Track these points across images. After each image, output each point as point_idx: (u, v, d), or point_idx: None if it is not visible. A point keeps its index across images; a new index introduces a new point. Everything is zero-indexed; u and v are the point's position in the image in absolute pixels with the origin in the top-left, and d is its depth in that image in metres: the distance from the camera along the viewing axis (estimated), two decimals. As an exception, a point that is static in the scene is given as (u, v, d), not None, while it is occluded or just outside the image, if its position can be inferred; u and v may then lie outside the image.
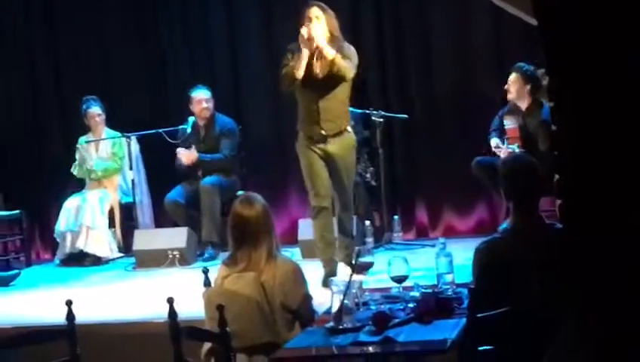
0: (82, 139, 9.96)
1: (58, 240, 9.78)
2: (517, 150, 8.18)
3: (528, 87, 8.37)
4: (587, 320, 2.91)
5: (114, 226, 9.83)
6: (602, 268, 2.92)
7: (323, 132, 7.20)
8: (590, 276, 2.94)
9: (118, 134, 9.83)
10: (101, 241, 9.61)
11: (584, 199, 2.95)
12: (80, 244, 9.56)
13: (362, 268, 5.03)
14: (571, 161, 2.96)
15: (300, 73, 7.10)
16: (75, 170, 9.92)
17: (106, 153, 9.94)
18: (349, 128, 7.33)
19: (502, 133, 8.50)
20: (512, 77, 8.42)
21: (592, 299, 2.92)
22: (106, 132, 9.95)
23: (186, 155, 9.37)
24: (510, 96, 8.47)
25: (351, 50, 7.25)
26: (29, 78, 10.77)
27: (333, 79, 7.16)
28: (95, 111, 9.87)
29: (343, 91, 7.24)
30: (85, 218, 9.56)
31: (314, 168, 7.27)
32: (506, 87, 8.45)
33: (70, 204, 9.71)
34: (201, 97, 9.54)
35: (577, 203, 2.96)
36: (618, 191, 2.91)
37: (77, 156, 9.92)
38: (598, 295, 2.91)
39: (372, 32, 9.85)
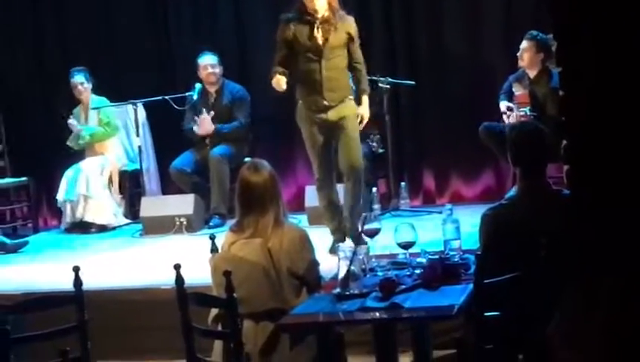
0: (76, 109, 9.94)
1: (61, 209, 9.79)
2: (528, 113, 8.17)
3: (541, 55, 8.35)
4: (594, 285, 2.91)
5: (120, 193, 9.82)
6: (609, 233, 2.92)
7: (325, 102, 7.14)
8: (597, 241, 2.94)
9: (105, 100, 9.78)
10: (101, 209, 9.59)
11: (592, 164, 2.94)
12: (79, 213, 9.56)
13: (369, 234, 5.03)
14: (579, 126, 2.96)
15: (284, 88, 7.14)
16: (70, 143, 9.88)
17: (95, 121, 9.88)
18: (350, 96, 7.28)
19: (511, 97, 8.48)
20: (525, 44, 8.38)
21: (599, 263, 2.92)
22: (91, 99, 9.89)
23: (203, 128, 9.36)
24: (522, 64, 8.45)
25: (352, 22, 7.22)
26: (36, 48, 10.74)
27: (335, 49, 7.12)
28: (77, 80, 9.79)
29: (344, 60, 7.20)
30: (81, 187, 9.53)
31: (316, 139, 7.22)
32: (518, 54, 8.43)
33: (68, 173, 9.69)
34: (207, 63, 9.52)
35: (585, 168, 2.96)
36: (626, 155, 2.90)
37: (70, 126, 9.88)
38: (605, 259, 2.91)
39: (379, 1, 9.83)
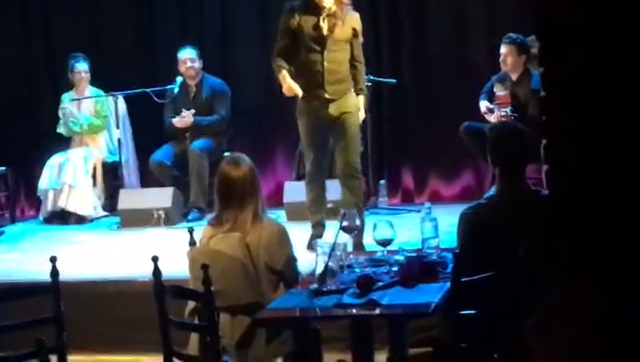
0: (66, 95, 9.93)
1: (41, 198, 9.76)
2: (509, 113, 8.21)
3: (523, 57, 8.42)
4: (572, 283, 2.92)
5: (97, 185, 9.81)
6: (589, 233, 2.94)
7: (327, 95, 7.06)
8: (577, 241, 2.95)
9: (102, 92, 9.80)
10: (83, 199, 9.58)
11: (572, 164, 2.96)
12: (62, 203, 9.53)
13: (347, 231, 5.04)
14: (560, 126, 2.97)
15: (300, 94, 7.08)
16: (61, 129, 9.90)
17: (89, 111, 9.90)
18: (352, 90, 7.19)
19: (492, 97, 8.52)
20: (506, 49, 8.42)
21: (577, 262, 2.94)
22: (89, 90, 9.90)
23: (182, 121, 9.34)
24: (505, 68, 8.51)
25: (357, 18, 7.19)
26: (16, 36, 10.70)
27: (339, 42, 7.07)
28: (82, 67, 9.83)
29: (347, 55, 7.14)
30: (67, 176, 9.53)
31: (314, 134, 7.17)
32: (500, 59, 8.46)
33: (53, 161, 9.68)
34: (186, 57, 9.50)
35: (565, 168, 2.97)
36: (606, 156, 2.92)
37: (60, 114, 9.88)
38: (584, 259, 2.93)
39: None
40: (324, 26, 7.01)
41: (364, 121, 7.48)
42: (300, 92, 7.03)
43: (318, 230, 7.20)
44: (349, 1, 7.13)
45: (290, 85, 7.03)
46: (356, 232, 5.37)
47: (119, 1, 10.44)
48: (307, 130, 7.21)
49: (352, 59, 7.18)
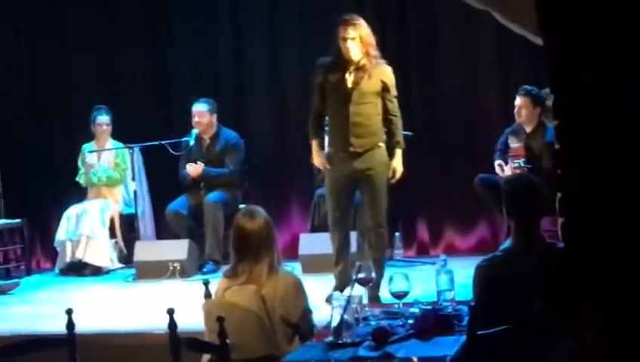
0: (85, 146, 9.99)
1: (58, 249, 9.79)
2: (522, 165, 8.20)
3: (538, 109, 8.40)
4: (587, 333, 2.92)
5: (115, 237, 9.83)
6: (605, 287, 2.93)
7: (351, 148, 7.07)
8: (592, 294, 2.95)
9: (122, 145, 9.86)
10: (101, 251, 9.61)
11: (588, 218, 2.96)
12: (79, 254, 9.56)
13: (362, 283, 5.03)
14: (575, 179, 2.98)
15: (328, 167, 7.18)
16: (80, 179, 9.97)
17: (109, 163, 9.97)
18: (380, 143, 7.17)
19: (506, 152, 8.51)
20: (521, 101, 8.41)
21: (594, 315, 2.93)
22: (110, 142, 9.98)
23: (193, 168, 9.38)
24: (520, 120, 8.48)
25: (388, 71, 7.19)
26: (33, 87, 10.79)
27: (366, 95, 7.08)
28: (104, 120, 9.92)
29: (376, 108, 7.13)
30: (85, 227, 9.57)
31: (335, 186, 7.19)
32: (515, 111, 8.46)
33: (70, 212, 9.72)
34: (195, 111, 9.54)
35: (581, 221, 2.97)
36: (622, 210, 2.92)
37: (80, 164, 9.95)
38: (600, 311, 2.92)
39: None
40: (350, 79, 7.06)
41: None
42: (326, 165, 7.17)
43: (340, 283, 7.09)
44: (379, 54, 7.15)
45: (317, 158, 7.23)
46: (371, 285, 5.36)
47: (134, 53, 10.51)
48: (330, 180, 7.25)
49: (386, 112, 7.17)
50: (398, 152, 7.25)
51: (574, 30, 3.08)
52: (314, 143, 7.28)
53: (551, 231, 6.84)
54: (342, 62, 7.09)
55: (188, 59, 10.46)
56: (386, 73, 7.17)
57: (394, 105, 7.21)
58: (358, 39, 7.04)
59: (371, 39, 7.11)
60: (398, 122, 7.24)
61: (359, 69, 7.04)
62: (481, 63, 9.67)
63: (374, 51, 7.13)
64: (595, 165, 2.97)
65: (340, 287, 6.95)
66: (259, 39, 10.23)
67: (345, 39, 7.04)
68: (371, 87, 7.09)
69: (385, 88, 7.15)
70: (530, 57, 8.95)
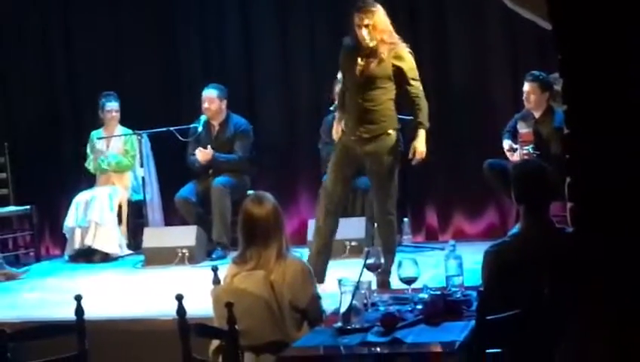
0: (94, 133, 10.00)
1: (67, 235, 9.81)
2: (531, 151, 8.17)
3: (546, 95, 8.37)
4: (596, 321, 2.91)
5: (123, 223, 9.84)
6: (612, 269, 2.93)
7: (359, 134, 7.06)
8: (600, 277, 2.94)
9: (130, 131, 9.86)
10: (109, 238, 9.62)
11: (596, 201, 2.95)
12: (88, 240, 9.58)
13: (371, 269, 5.03)
14: (583, 164, 2.97)
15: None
16: (89, 165, 9.99)
17: (118, 150, 9.98)
18: (390, 131, 7.09)
19: (515, 135, 8.50)
20: (530, 87, 8.38)
21: (601, 300, 2.93)
22: (119, 129, 9.98)
23: (203, 153, 9.37)
24: (529, 106, 8.46)
25: (403, 53, 7.11)
26: (43, 74, 10.79)
27: (377, 80, 7.04)
28: (113, 106, 9.93)
29: (387, 92, 7.08)
30: (94, 214, 9.58)
31: (335, 167, 7.19)
32: (524, 97, 8.44)
33: (79, 199, 9.73)
34: (205, 96, 9.51)
35: (589, 205, 2.96)
36: (630, 193, 2.91)
37: (89, 150, 9.96)
38: (607, 295, 2.92)
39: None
40: (361, 64, 7.03)
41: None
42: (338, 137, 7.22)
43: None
44: (398, 39, 7.10)
45: (334, 131, 7.28)
46: (380, 270, 5.36)
47: (143, 40, 10.50)
48: (333, 160, 7.25)
49: (409, 95, 7.13)
50: (420, 133, 7.17)
51: (583, 14, 3.07)
52: (337, 117, 7.34)
53: (560, 216, 6.84)
54: (357, 48, 7.07)
55: (197, 45, 10.44)
56: (401, 56, 7.10)
57: (414, 88, 7.12)
58: (373, 26, 7.00)
59: (386, 26, 7.06)
60: (421, 102, 7.15)
61: (371, 55, 7.01)
62: (490, 49, 9.64)
63: (391, 38, 7.08)
64: (604, 150, 2.96)
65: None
66: (268, 25, 10.21)
67: (360, 26, 7.01)
68: (381, 72, 7.04)
69: (400, 72, 7.08)
70: (540, 42, 8.92)
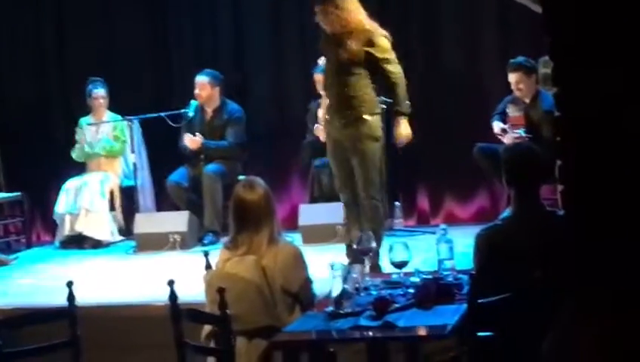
0: (83, 120, 9.97)
1: (58, 222, 9.79)
2: (523, 134, 8.18)
3: (533, 77, 8.37)
4: (588, 305, 2.92)
5: (114, 209, 9.83)
6: (604, 253, 2.93)
7: (338, 121, 7.08)
8: (592, 261, 2.95)
9: (119, 117, 9.83)
10: (100, 224, 9.60)
11: (587, 184, 2.96)
12: (79, 227, 9.56)
13: (362, 253, 5.04)
14: (575, 146, 2.97)
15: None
16: (74, 154, 9.93)
17: (107, 136, 9.95)
18: (366, 116, 7.03)
19: (504, 118, 8.50)
20: (516, 76, 8.36)
21: (594, 283, 2.93)
22: (107, 115, 9.95)
23: (191, 140, 9.35)
24: (520, 94, 8.44)
25: (375, 37, 7.05)
26: (32, 60, 10.76)
27: (348, 66, 7.01)
28: (100, 93, 9.87)
29: (360, 78, 7.03)
30: (84, 200, 9.56)
31: (331, 154, 7.24)
32: (512, 86, 8.43)
33: (70, 185, 9.71)
34: (197, 82, 9.47)
35: (580, 188, 2.97)
36: (621, 175, 2.92)
37: (77, 138, 9.91)
38: (600, 278, 2.92)
39: (376, 18, 9.84)
40: (334, 50, 7.05)
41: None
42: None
43: (349, 237, 7.13)
44: (366, 24, 7.06)
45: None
46: (372, 254, 5.36)
47: (133, 25, 10.47)
48: (328, 149, 7.29)
49: (385, 80, 7.11)
50: (399, 120, 7.15)
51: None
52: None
53: (551, 200, 6.86)
54: (330, 35, 7.11)
55: (188, 30, 10.41)
56: (373, 42, 7.04)
57: (388, 72, 7.07)
58: (337, 14, 6.97)
59: (354, 12, 7.02)
60: (397, 88, 7.10)
61: (342, 42, 6.98)
62: (480, 32, 9.64)
63: (360, 24, 7.03)
64: (596, 132, 2.96)
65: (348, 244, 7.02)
66: (259, 9, 10.19)
67: (326, 14, 7.03)
68: (352, 59, 7.00)
69: (372, 58, 7.03)
70: (530, 26, 8.91)
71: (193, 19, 10.38)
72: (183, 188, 9.36)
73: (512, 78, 8.39)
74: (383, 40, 7.10)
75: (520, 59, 8.38)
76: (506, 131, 8.37)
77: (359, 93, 7.04)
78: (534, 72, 8.35)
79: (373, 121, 7.09)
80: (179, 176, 9.41)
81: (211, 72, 9.51)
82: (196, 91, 9.46)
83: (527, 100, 8.44)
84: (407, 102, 7.18)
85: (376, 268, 6.49)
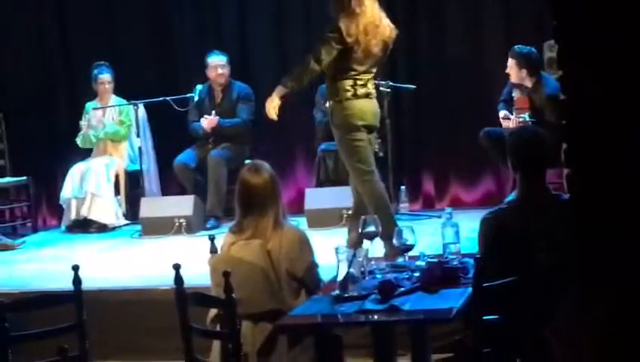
0: (89, 104, 9.97)
1: (64, 206, 9.80)
2: (527, 118, 8.19)
3: (524, 71, 8.39)
4: (593, 289, 2.91)
5: (120, 194, 9.84)
6: (609, 236, 2.92)
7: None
8: (597, 244, 2.94)
9: (125, 101, 9.83)
10: (106, 208, 9.62)
11: (593, 168, 2.95)
12: (84, 211, 9.57)
13: (368, 237, 5.04)
14: (581, 130, 2.96)
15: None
16: (79, 140, 9.92)
17: (113, 120, 9.95)
18: (329, 104, 7.11)
19: (510, 103, 8.51)
20: (510, 62, 8.44)
21: (599, 267, 2.92)
22: (113, 99, 9.95)
23: (208, 121, 9.38)
24: (512, 80, 8.50)
25: (338, 24, 6.93)
26: (37, 45, 10.76)
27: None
28: (106, 77, 9.87)
29: (330, 67, 6.97)
30: (90, 184, 9.57)
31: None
32: (506, 70, 8.47)
33: (75, 170, 9.72)
34: (217, 63, 9.53)
35: (586, 172, 2.96)
36: (627, 159, 2.91)
37: (83, 123, 9.89)
38: (605, 262, 2.92)
39: (384, 2, 9.83)
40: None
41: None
42: None
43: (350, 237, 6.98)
44: (340, 11, 6.97)
45: None
46: (385, 237, 5.33)
47: (136, 10, 10.46)
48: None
49: None
50: (278, 87, 7.17)
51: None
52: None
53: (556, 183, 6.85)
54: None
55: (191, 13, 10.40)
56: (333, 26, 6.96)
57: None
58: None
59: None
60: (305, 63, 7.00)
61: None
62: (485, 18, 9.62)
63: (335, 12, 7.00)
64: (601, 115, 2.95)
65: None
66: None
67: None
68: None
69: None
70: (535, 11, 8.91)
71: (197, 2, 10.36)
72: (190, 168, 9.38)
73: (508, 62, 8.44)
74: (340, 24, 6.92)
75: (523, 49, 8.40)
76: (509, 118, 8.38)
77: (329, 80, 7.09)
78: (527, 67, 8.36)
79: (339, 108, 6.98)
80: (186, 156, 9.43)
81: (222, 51, 9.54)
82: (219, 71, 9.48)
83: (530, 85, 8.44)
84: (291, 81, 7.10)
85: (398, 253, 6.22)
